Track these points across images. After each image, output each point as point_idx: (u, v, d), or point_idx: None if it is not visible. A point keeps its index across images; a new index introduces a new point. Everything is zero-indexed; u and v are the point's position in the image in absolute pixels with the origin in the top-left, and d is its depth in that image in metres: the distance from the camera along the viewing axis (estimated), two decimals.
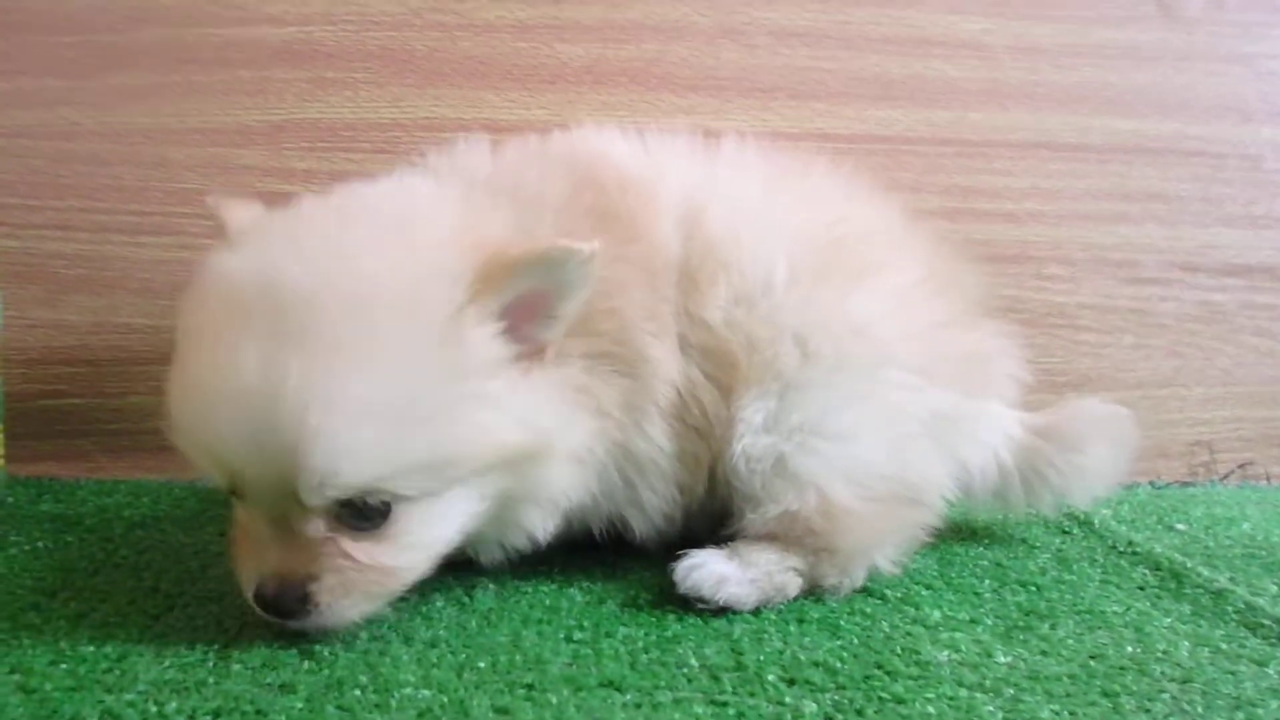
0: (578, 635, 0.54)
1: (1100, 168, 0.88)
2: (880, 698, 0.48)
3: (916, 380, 0.61)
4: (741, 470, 0.59)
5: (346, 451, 0.46)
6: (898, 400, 0.61)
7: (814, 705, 0.47)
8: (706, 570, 0.57)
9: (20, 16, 0.78)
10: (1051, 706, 0.47)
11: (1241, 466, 0.92)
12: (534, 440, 0.51)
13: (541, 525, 0.56)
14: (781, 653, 0.52)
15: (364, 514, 0.49)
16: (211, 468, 0.49)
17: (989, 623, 0.58)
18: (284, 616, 0.49)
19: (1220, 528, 0.79)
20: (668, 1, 0.83)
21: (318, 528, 0.49)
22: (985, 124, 0.87)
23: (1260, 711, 0.47)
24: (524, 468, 0.52)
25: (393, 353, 0.47)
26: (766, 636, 0.55)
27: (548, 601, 0.58)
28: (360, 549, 0.49)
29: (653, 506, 0.61)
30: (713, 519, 0.62)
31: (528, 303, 0.51)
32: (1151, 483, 0.91)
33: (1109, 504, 0.82)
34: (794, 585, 0.59)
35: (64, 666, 0.48)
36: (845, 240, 0.62)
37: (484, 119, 0.81)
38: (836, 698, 0.48)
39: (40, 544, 0.65)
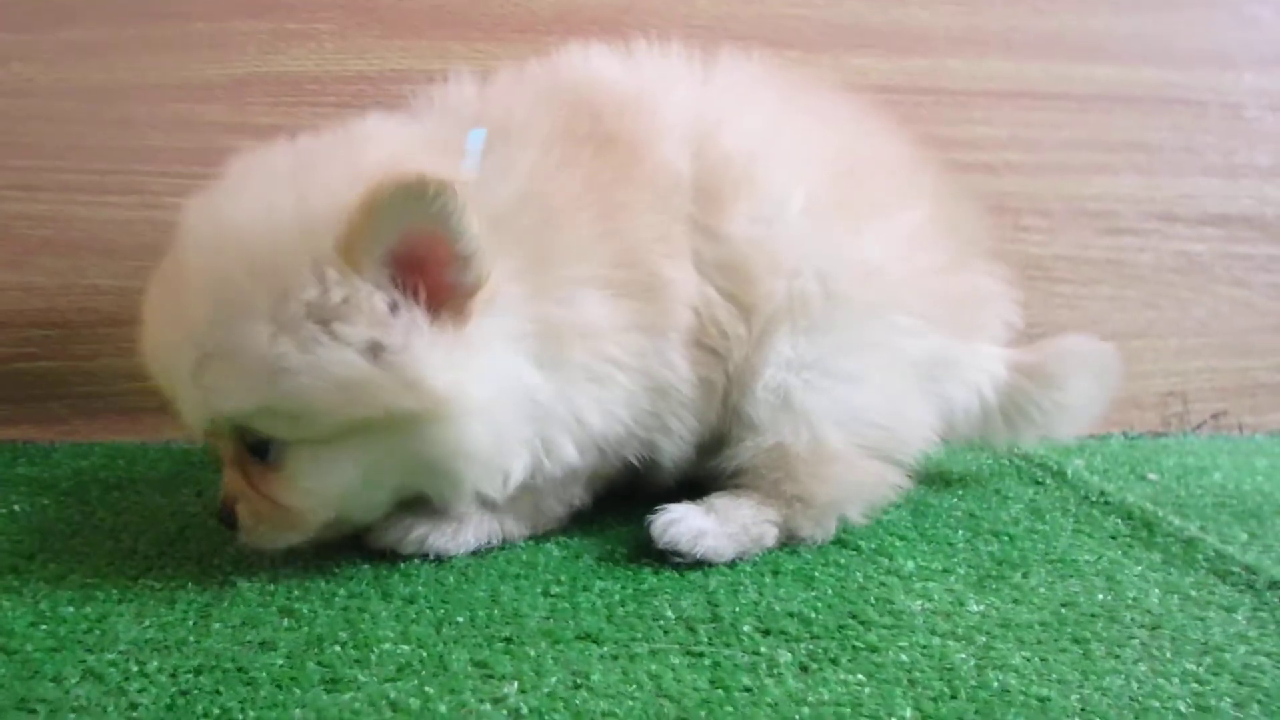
0: (555, 589, 0.54)
1: (1080, 117, 0.87)
2: (854, 647, 0.48)
3: (919, 324, 0.62)
4: (759, 397, 0.59)
5: (210, 386, 0.49)
6: (900, 345, 0.61)
7: (789, 655, 0.48)
8: (684, 525, 0.57)
9: None
10: (1023, 653, 0.48)
11: (1214, 417, 0.92)
12: (422, 403, 0.49)
13: (488, 482, 0.54)
14: (757, 604, 0.53)
15: (255, 448, 0.51)
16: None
17: (962, 572, 0.58)
18: (230, 528, 0.54)
19: (1192, 477, 0.80)
20: None
21: (229, 451, 0.52)
22: (963, 72, 0.85)
23: (1228, 656, 0.48)
24: (424, 429, 0.50)
25: (250, 303, 0.47)
26: (742, 588, 0.55)
27: (524, 557, 0.59)
28: (262, 481, 0.52)
29: (680, 433, 0.60)
30: (715, 452, 0.62)
31: (417, 247, 0.47)
32: (1125, 433, 0.91)
33: (1082, 454, 0.83)
34: (770, 536, 0.60)
35: (44, 628, 0.48)
36: (858, 171, 0.62)
37: (451, 70, 0.79)
38: (811, 647, 0.49)
39: (17, 507, 0.65)
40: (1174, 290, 0.90)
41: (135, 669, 0.44)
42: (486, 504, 0.57)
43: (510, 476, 0.54)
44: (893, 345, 0.61)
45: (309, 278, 0.47)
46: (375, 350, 0.48)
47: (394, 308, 0.48)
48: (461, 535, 0.58)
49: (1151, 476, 0.79)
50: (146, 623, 0.49)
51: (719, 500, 0.59)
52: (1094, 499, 0.73)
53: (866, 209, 0.61)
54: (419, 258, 0.48)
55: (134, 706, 0.41)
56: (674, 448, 0.61)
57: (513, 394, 0.52)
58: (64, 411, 0.80)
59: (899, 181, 0.64)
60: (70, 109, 0.77)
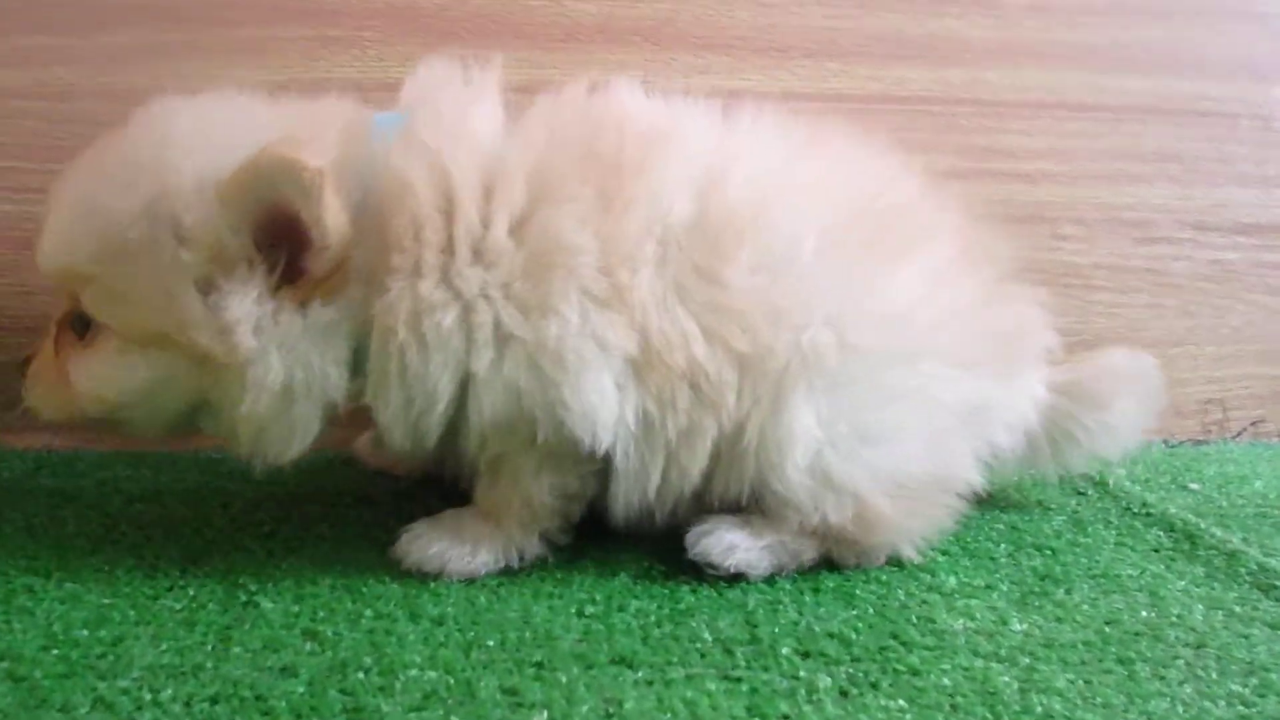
0: (589, 609, 0.53)
1: (1114, 127, 0.88)
2: (895, 670, 0.48)
3: (954, 371, 0.59)
4: (794, 479, 0.56)
5: (64, 234, 0.54)
6: (936, 394, 0.59)
7: (828, 679, 0.46)
8: (716, 536, 0.57)
9: None
10: (1067, 675, 0.48)
11: (1253, 424, 0.92)
12: (222, 351, 0.52)
13: (263, 450, 0.55)
14: (796, 624, 0.52)
15: (78, 322, 0.55)
16: None
17: (1004, 589, 0.58)
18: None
19: (1233, 486, 0.79)
20: None
21: (58, 315, 0.57)
22: (1000, 83, 0.86)
23: (1274, 676, 0.48)
24: (216, 372, 0.53)
25: (134, 187, 0.52)
26: (781, 607, 0.54)
27: (559, 574, 0.57)
28: (69, 353, 0.56)
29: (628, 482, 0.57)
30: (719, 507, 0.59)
31: (281, 220, 0.50)
32: (1165, 441, 0.91)
33: (1123, 463, 0.82)
34: (809, 553, 0.59)
35: (56, 652, 0.47)
36: (877, 213, 0.59)
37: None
38: (851, 670, 0.47)
39: (36, 520, 0.63)
40: (1210, 298, 0.91)
41: (148, 697, 0.43)
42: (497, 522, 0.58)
43: (284, 455, 0.55)
44: (927, 395, 0.58)
45: (189, 197, 0.51)
46: (208, 284, 0.52)
47: (249, 264, 0.52)
48: (479, 556, 0.57)
49: (1193, 486, 0.79)
50: (163, 646, 0.47)
51: (758, 517, 0.58)
52: (1136, 510, 0.72)
53: (889, 251, 0.58)
54: (283, 232, 0.51)
55: None
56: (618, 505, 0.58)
57: (312, 385, 0.53)
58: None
59: (922, 220, 0.61)
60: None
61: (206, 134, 0.54)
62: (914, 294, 0.58)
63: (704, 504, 0.59)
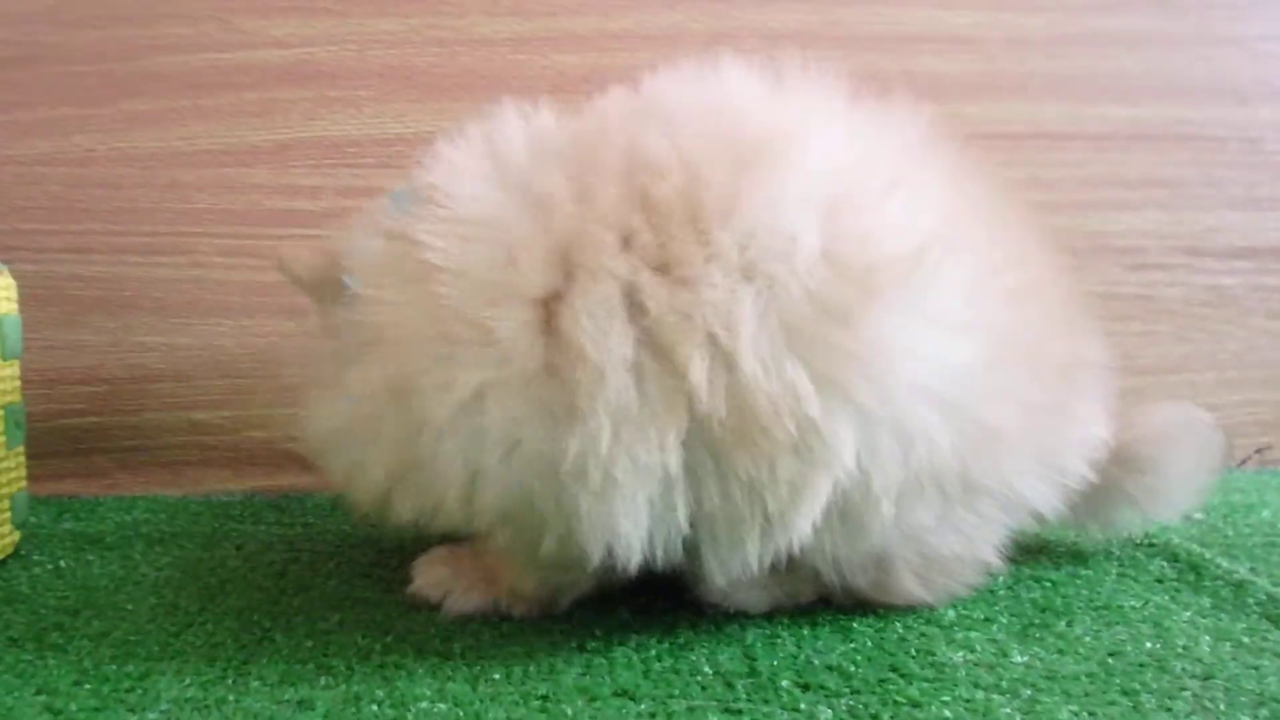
0: (590, 644, 0.54)
1: (1097, 155, 0.89)
2: (895, 701, 0.48)
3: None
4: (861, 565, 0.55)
5: None
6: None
7: (829, 711, 0.47)
8: (710, 577, 0.54)
9: (36, 50, 0.81)
10: (1070, 707, 0.47)
11: (1259, 451, 0.91)
12: None
13: None
14: (795, 657, 0.52)
15: None
16: None
17: (1004, 621, 0.58)
18: None
19: (1239, 515, 0.78)
20: (661, 10, 0.85)
21: None
22: (980, 116, 0.87)
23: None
24: None
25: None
26: (779, 640, 0.54)
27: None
28: None
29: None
30: None
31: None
32: None
33: None
34: (807, 593, 0.58)
35: (88, 686, 0.49)
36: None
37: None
38: (851, 702, 0.47)
39: (62, 563, 0.66)
40: (1206, 324, 0.90)
41: None
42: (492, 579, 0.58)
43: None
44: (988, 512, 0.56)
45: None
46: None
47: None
48: (470, 601, 0.57)
49: (1197, 515, 0.77)
50: (187, 680, 0.49)
51: None
52: (1139, 541, 0.71)
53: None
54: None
55: None
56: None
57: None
58: (108, 465, 0.82)
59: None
60: (125, 175, 0.81)
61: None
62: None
63: None
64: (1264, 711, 0.47)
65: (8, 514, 0.67)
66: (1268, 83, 0.90)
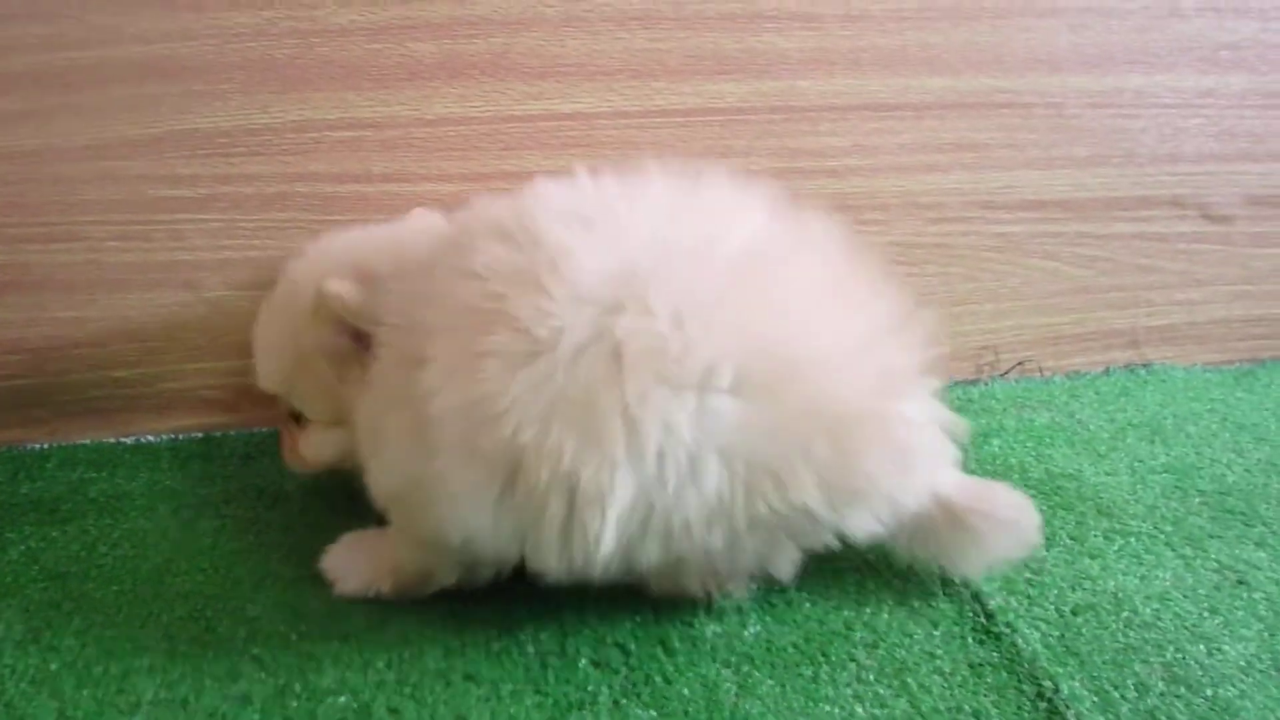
0: (451, 630, 0.67)
1: (915, 124, 0.98)
2: (654, 680, 0.62)
3: (823, 517, 0.63)
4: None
5: (266, 369, 0.77)
6: (791, 538, 0.67)
7: (608, 690, 0.61)
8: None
9: None
10: (769, 681, 0.62)
11: (1020, 364, 1.10)
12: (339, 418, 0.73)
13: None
14: (594, 634, 0.66)
15: (296, 414, 0.77)
16: None
17: (755, 588, 0.70)
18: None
19: (975, 449, 0.90)
20: None
21: (284, 408, 0.79)
22: (812, 91, 0.95)
23: (910, 679, 0.63)
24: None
25: (291, 332, 0.73)
26: (586, 619, 0.68)
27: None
28: (295, 432, 0.78)
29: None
30: None
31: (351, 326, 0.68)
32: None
33: None
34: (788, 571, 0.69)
35: (86, 691, 0.62)
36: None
37: (348, 118, 0.88)
38: (625, 681, 0.62)
39: (32, 543, 0.79)
40: (991, 265, 1.05)
41: None
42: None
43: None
44: (784, 537, 0.66)
45: (307, 327, 0.70)
46: (341, 379, 0.70)
47: (359, 356, 0.67)
48: (354, 582, 0.73)
49: None
50: (158, 680, 0.63)
51: None
52: None
53: (790, 410, 0.60)
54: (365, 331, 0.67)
55: None
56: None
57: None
58: (47, 415, 0.95)
59: (832, 380, 0.61)
60: (8, 171, 0.86)
61: (317, 271, 0.71)
62: (808, 460, 0.61)
63: None
64: (896, 681, 0.63)
65: None
66: (1080, 52, 0.97)
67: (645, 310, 0.57)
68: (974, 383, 1.09)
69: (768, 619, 0.69)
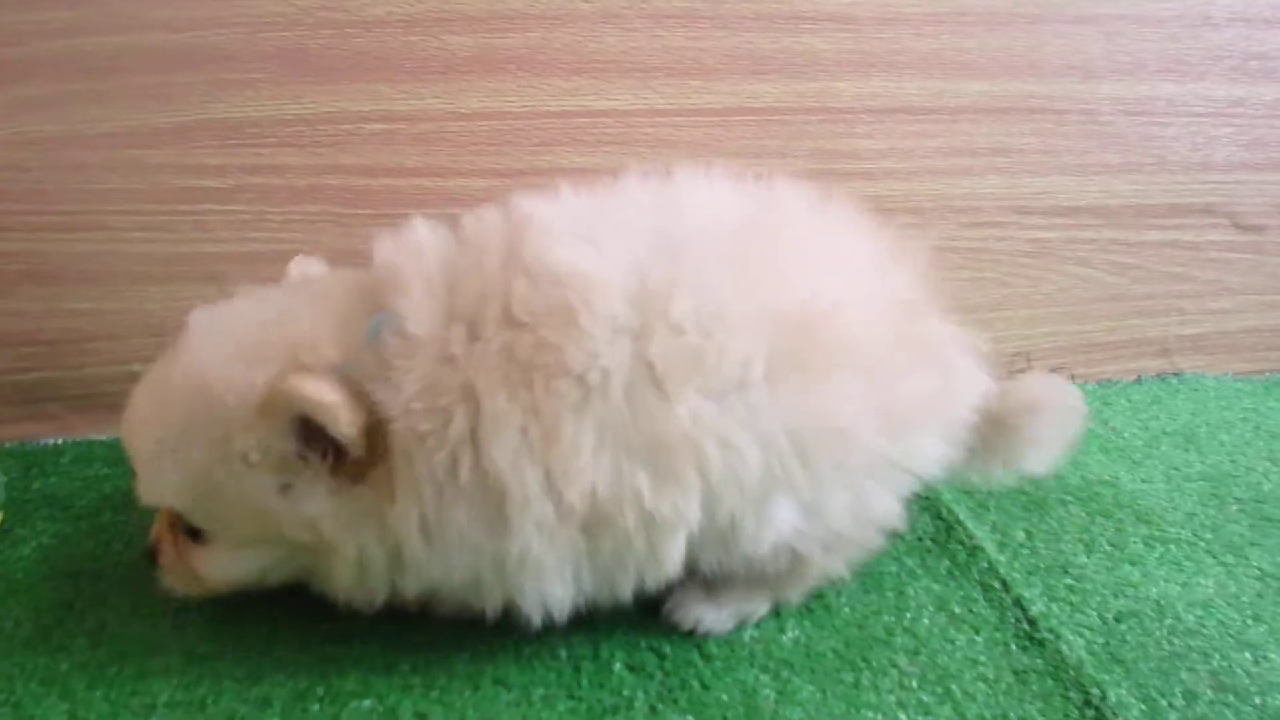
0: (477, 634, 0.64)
1: (950, 127, 0.97)
2: (691, 685, 0.61)
3: (889, 452, 0.63)
4: (761, 555, 0.62)
5: (159, 478, 0.59)
6: (872, 482, 0.64)
7: (644, 695, 0.60)
8: (684, 611, 0.67)
9: None
10: (811, 686, 0.61)
11: (1054, 370, 1.09)
12: (312, 538, 0.58)
13: (359, 601, 0.61)
14: (626, 639, 0.65)
15: (186, 528, 0.61)
16: None
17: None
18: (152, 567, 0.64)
19: None
20: None
21: (165, 517, 0.64)
22: (848, 92, 0.94)
23: (954, 685, 0.62)
24: (312, 553, 0.60)
25: (201, 433, 0.57)
26: (618, 624, 0.66)
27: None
28: (186, 550, 0.62)
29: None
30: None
31: (311, 427, 0.55)
32: None
33: None
34: (763, 608, 0.68)
35: (99, 691, 0.60)
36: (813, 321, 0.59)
37: (381, 110, 0.87)
38: (661, 685, 0.61)
39: (45, 539, 0.77)
40: (1025, 271, 1.04)
41: None
42: None
43: (375, 602, 0.62)
44: (864, 485, 0.63)
45: (240, 424, 0.56)
46: (284, 488, 0.58)
47: (305, 462, 0.57)
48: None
49: None
50: (174, 681, 0.61)
51: (717, 583, 0.66)
52: (919, 490, 0.84)
53: (827, 366, 0.59)
54: (321, 430, 0.55)
55: None
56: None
57: (384, 554, 0.59)
58: (60, 410, 0.93)
59: (840, 331, 0.60)
60: (27, 158, 0.84)
61: (236, 355, 0.58)
62: (853, 401, 0.60)
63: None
64: (939, 688, 0.61)
65: None
66: (1113, 59, 0.97)
67: (673, 328, 0.56)
68: None
69: (806, 624, 0.68)
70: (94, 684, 0.61)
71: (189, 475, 0.58)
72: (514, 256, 0.57)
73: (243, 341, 0.59)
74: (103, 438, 0.92)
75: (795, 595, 0.69)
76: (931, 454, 0.66)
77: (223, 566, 0.62)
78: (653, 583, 0.61)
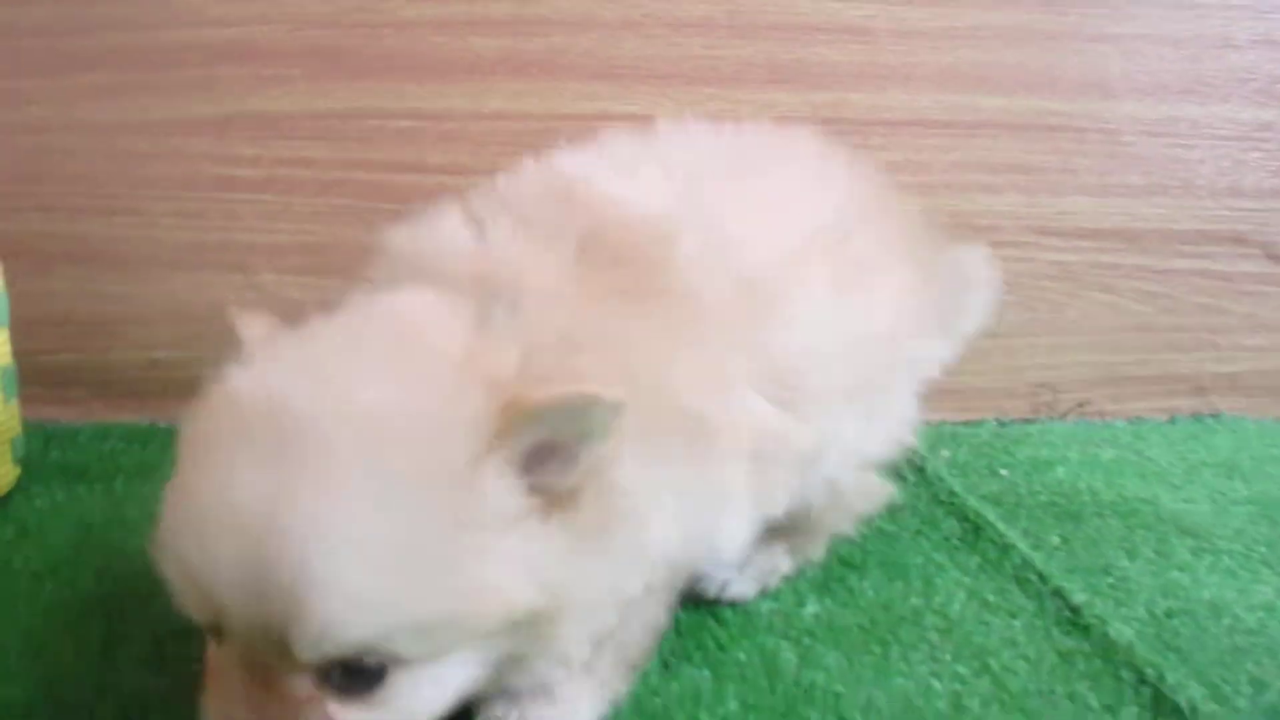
0: None
1: (968, 142, 0.98)
2: (706, 646, 0.60)
3: (922, 354, 0.68)
4: (817, 486, 0.63)
5: (354, 601, 0.39)
6: (910, 385, 0.68)
7: (657, 658, 0.57)
8: (710, 577, 0.65)
9: None
10: (835, 654, 0.60)
11: (1080, 405, 1.06)
12: (546, 600, 0.43)
13: (549, 675, 0.50)
14: None
15: (357, 675, 0.41)
16: (194, 601, 0.41)
17: (810, 574, 0.68)
18: None
19: (1037, 474, 0.88)
20: None
21: (304, 686, 0.41)
22: (863, 104, 0.96)
23: (991, 661, 0.60)
24: (534, 628, 0.44)
25: (405, 497, 0.40)
26: None
27: None
28: (347, 714, 0.41)
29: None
30: None
31: (546, 449, 0.43)
32: (998, 420, 1.04)
33: (954, 442, 0.96)
34: (785, 566, 0.68)
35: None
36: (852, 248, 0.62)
37: (408, 108, 0.91)
38: (674, 645, 0.59)
39: (58, 496, 0.79)
40: (1048, 295, 1.03)
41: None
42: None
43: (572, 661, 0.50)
44: (908, 391, 0.68)
45: (466, 475, 0.41)
46: (521, 546, 0.43)
47: (537, 492, 0.44)
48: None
49: (1003, 473, 0.89)
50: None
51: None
52: (942, 499, 0.82)
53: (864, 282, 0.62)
54: (543, 457, 0.43)
55: None
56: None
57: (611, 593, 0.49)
58: (83, 394, 0.96)
59: (872, 246, 0.64)
60: (78, 143, 0.90)
61: (408, 392, 0.43)
62: (888, 315, 0.63)
63: None
64: (975, 663, 0.59)
65: (7, 455, 0.80)
66: (1133, 79, 0.98)
67: (750, 247, 0.58)
68: (1031, 421, 1.05)
69: (827, 601, 0.67)
70: (94, 615, 0.62)
71: (415, 568, 0.40)
72: (572, 200, 0.55)
73: (402, 376, 0.44)
74: (122, 420, 0.94)
75: (815, 550, 0.68)
76: (941, 356, 0.71)
77: (413, 705, 0.43)
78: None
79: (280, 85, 0.90)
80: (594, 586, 0.47)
